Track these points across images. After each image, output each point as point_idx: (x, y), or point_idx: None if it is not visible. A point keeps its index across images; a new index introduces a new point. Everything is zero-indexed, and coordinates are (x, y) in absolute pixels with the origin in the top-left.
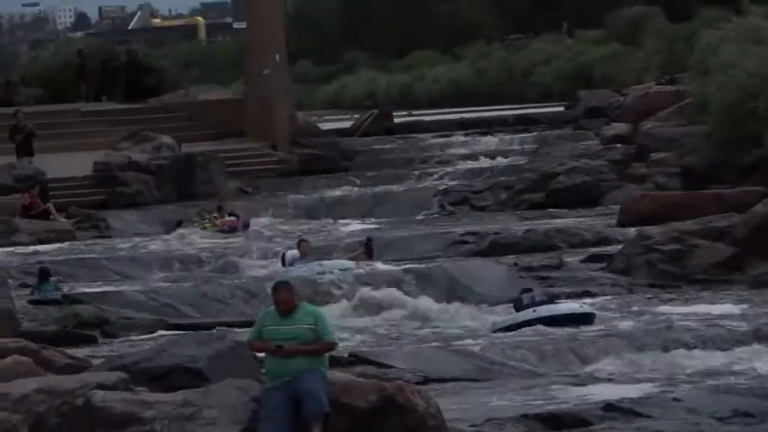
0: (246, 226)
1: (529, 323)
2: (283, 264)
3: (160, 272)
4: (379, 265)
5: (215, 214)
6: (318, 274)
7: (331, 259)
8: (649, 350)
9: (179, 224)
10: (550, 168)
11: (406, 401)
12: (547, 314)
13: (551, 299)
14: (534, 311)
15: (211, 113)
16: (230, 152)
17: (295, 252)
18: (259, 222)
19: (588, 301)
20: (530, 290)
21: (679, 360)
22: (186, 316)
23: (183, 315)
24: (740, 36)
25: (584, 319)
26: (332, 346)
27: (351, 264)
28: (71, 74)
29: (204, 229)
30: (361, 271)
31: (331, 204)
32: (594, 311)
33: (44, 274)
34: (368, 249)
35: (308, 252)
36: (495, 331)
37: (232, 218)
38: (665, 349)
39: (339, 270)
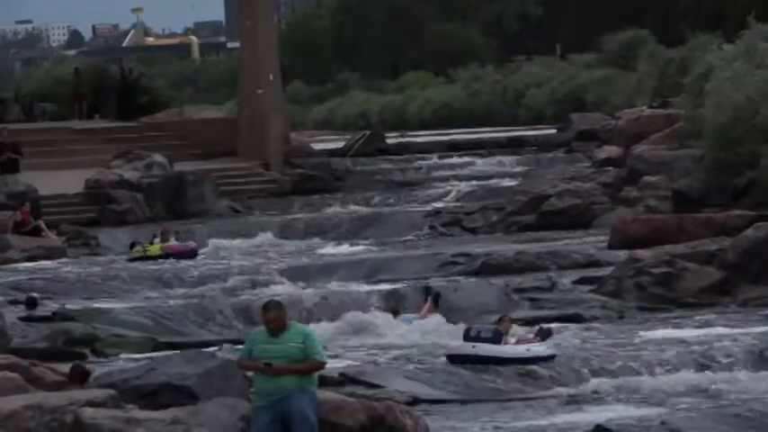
0: (194, 252)
1: (468, 358)
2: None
3: (150, 290)
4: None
5: (157, 239)
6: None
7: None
8: (639, 373)
9: (132, 245)
10: (542, 191)
11: (395, 421)
12: (483, 354)
13: (497, 337)
14: (474, 347)
15: (204, 132)
16: (222, 171)
17: None
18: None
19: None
20: (505, 316)
21: (667, 382)
22: (176, 334)
23: (173, 333)
24: (735, 59)
25: (537, 360)
26: (320, 365)
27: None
28: (68, 92)
29: (145, 252)
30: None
31: (322, 225)
32: (552, 353)
33: (31, 303)
34: (434, 301)
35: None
36: (448, 356)
37: (175, 242)
38: (653, 372)
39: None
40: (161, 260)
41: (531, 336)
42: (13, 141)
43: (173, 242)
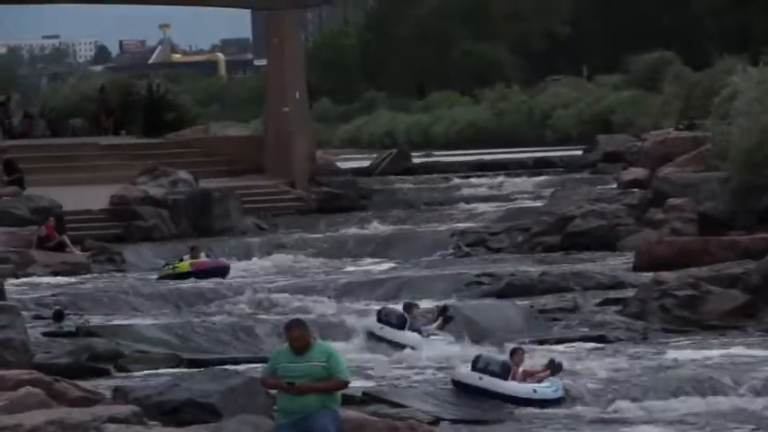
0: (225, 269)
1: (474, 388)
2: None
3: (175, 306)
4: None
5: (186, 255)
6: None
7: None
8: (662, 395)
9: (166, 265)
10: (567, 212)
11: None
12: (488, 388)
13: (504, 372)
14: (480, 379)
15: (230, 150)
16: (248, 189)
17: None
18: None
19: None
20: (519, 349)
21: (691, 405)
22: (200, 351)
23: (197, 350)
24: (761, 81)
25: (543, 402)
26: (344, 384)
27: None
28: (95, 108)
29: (174, 269)
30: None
31: (347, 243)
32: (560, 395)
33: (58, 316)
34: (444, 317)
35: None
36: (453, 381)
37: (206, 259)
38: (676, 395)
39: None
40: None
41: (541, 368)
42: (10, 159)
43: (203, 258)
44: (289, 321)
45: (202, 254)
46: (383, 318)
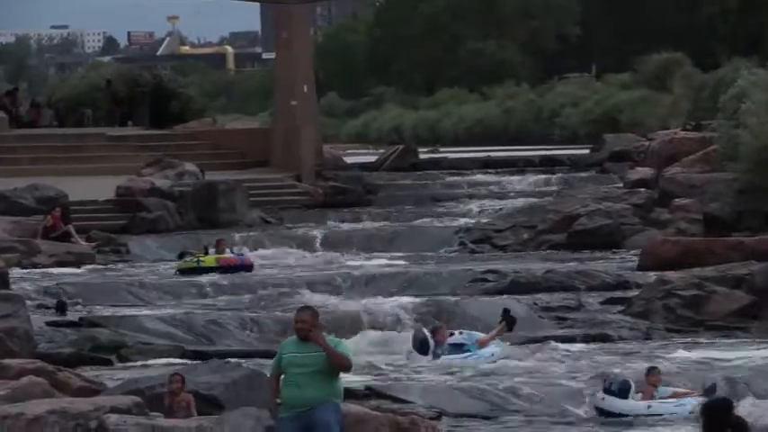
0: (250, 266)
1: (602, 411)
2: (416, 346)
3: (180, 298)
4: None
5: (212, 249)
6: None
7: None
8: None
9: (181, 255)
10: (573, 210)
11: None
12: (608, 408)
13: (622, 391)
14: (603, 399)
15: (237, 142)
16: (254, 182)
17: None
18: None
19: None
20: (654, 368)
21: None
22: (204, 343)
23: (200, 342)
24: None
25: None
26: (348, 362)
27: (497, 350)
28: (103, 100)
29: (199, 263)
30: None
31: (353, 238)
32: (681, 411)
33: (61, 308)
34: (508, 321)
35: (444, 339)
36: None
37: (232, 255)
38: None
39: (490, 355)
40: (215, 273)
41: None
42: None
43: (228, 254)
44: (300, 306)
45: (227, 249)
46: (607, 387)
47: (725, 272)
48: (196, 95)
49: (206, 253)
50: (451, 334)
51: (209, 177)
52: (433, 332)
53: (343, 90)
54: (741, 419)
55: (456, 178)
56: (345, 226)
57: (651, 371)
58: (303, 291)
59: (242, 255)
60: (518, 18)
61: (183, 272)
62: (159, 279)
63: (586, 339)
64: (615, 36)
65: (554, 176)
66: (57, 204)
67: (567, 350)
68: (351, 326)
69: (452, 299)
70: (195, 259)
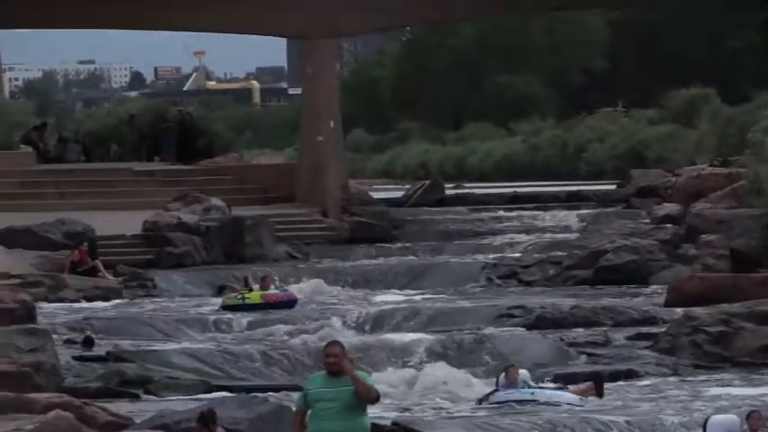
0: (293, 301)
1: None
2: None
3: (206, 333)
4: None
5: (256, 286)
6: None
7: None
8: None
9: (221, 289)
10: (600, 246)
11: None
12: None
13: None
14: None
15: (263, 177)
16: (280, 217)
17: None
18: (305, 291)
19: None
20: (756, 412)
21: None
22: (231, 378)
23: (227, 377)
24: None
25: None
26: (376, 394)
27: (575, 398)
28: (128, 133)
29: (244, 300)
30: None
31: (378, 273)
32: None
33: (88, 343)
34: (598, 385)
35: (515, 379)
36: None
37: (276, 291)
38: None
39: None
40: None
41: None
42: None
43: (273, 291)
44: (328, 341)
45: (272, 285)
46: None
47: (752, 308)
48: (222, 130)
49: (249, 288)
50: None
51: (235, 212)
52: (506, 372)
53: (370, 125)
54: None
55: (482, 214)
56: (371, 261)
57: (752, 414)
58: (329, 325)
59: (286, 290)
60: (544, 52)
61: (226, 308)
62: (186, 314)
63: (613, 376)
64: (641, 70)
65: (580, 212)
66: (84, 239)
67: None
68: (377, 361)
69: (479, 334)
70: (240, 296)
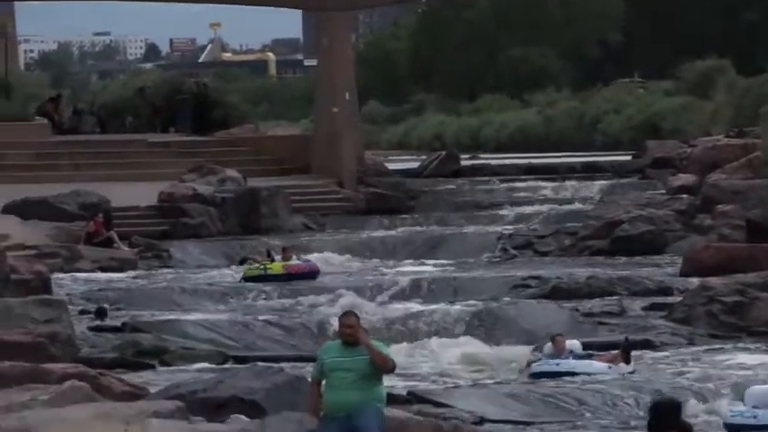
0: (315, 272)
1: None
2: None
3: (222, 304)
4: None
5: (278, 256)
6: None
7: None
8: (708, 400)
9: (243, 261)
10: (615, 216)
11: None
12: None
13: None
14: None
15: (278, 149)
16: (296, 188)
17: (549, 345)
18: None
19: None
20: None
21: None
22: (246, 348)
23: (242, 347)
24: None
25: None
26: (392, 363)
27: (603, 366)
28: (143, 105)
29: (266, 271)
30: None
31: (395, 244)
32: None
33: (101, 314)
34: (626, 352)
35: (562, 348)
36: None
37: (298, 262)
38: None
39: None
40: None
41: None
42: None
43: (295, 261)
44: (344, 311)
45: (294, 256)
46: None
47: (767, 278)
48: (238, 102)
49: (271, 259)
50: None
51: (250, 183)
52: (553, 341)
53: (385, 97)
54: (687, 423)
55: (498, 185)
56: (387, 232)
57: None
58: (345, 296)
59: (308, 261)
60: (560, 25)
61: (248, 279)
62: (201, 284)
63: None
64: (656, 43)
65: (596, 183)
66: (99, 210)
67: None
68: (392, 332)
69: (495, 304)
70: (262, 266)
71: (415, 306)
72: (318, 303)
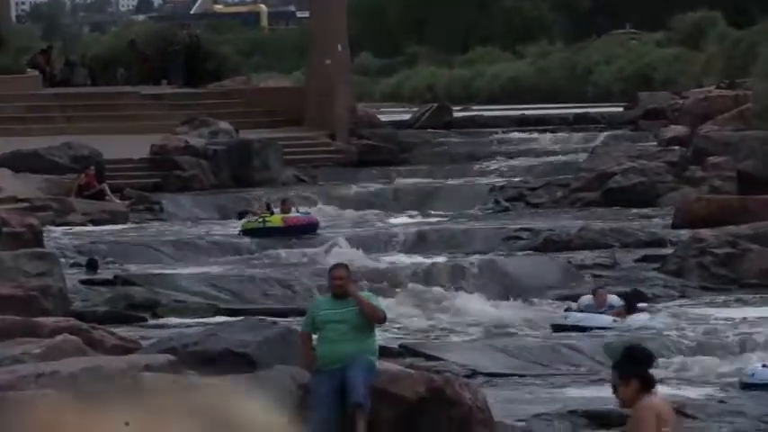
0: (315, 225)
1: None
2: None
3: (214, 256)
4: (639, 318)
5: (277, 209)
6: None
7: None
8: (699, 353)
9: (242, 215)
10: (607, 168)
11: (454, 394)
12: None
13: None
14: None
15: (270, 101)
16: (288, 140)
17: (588, 297)
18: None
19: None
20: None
21: (727, 364)
22: (239, 301)
23: (234, 300)
24: None
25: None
26: (383, 312)
27: (608, 320)
28: (133, 59)
29: (265, 224)
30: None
31: (387, 196)
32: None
33: (92, 266)
34: (628, 303)
35: (603, 301)
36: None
37: (297, 214)
38: (713, 353)
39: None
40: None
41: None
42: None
43: (294, 214)
44: (333, 264)
45: (293, 208)
46: None
47: (759, 229)
48: (230, 54)
49: (270, 212)
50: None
51: (242, 136)
52: (594, 293)
53: (377, 49)
54: (652, 377)
55: (490, 137)
56: (379, 184)
57: None
58: (338, 248)
59: (308, 213)
60: None
61: (246, 232)
62: (193, 237)
63: (620, 297)
64: None
65: (588, 134)
66: (91, 163)
67: None
68: (386, 284)
69: (486, 257)
70: (260, 219)
71: (405, 259)
72: (309, 255)
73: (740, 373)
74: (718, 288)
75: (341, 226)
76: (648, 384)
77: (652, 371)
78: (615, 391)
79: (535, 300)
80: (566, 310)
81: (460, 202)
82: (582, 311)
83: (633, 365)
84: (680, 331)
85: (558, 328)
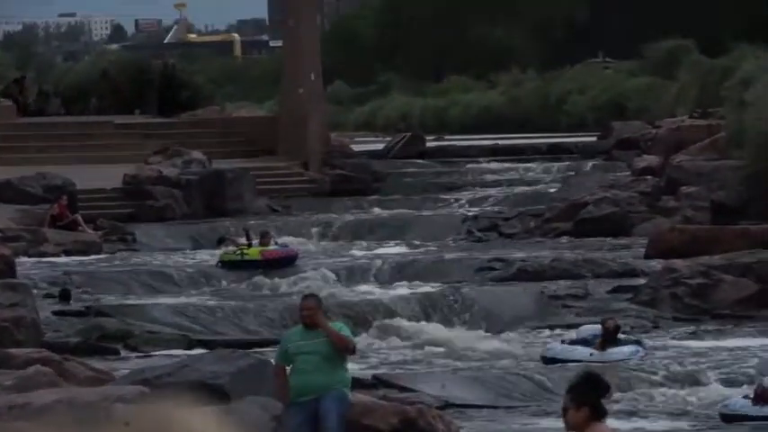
0: (294, 258)
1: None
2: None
3: (187, 287)
4: (617, 351)
5: (256, 241)
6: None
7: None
8: (670, 385)
9: (221, 241)
10: (580, 198)
11: (427, 425)
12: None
13: None
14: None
15: (244, 130)
16: (261, 170)
17: (592, 327)
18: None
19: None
20: None
21: (698, 394)
22: (211, 332)
23: (208, 331)
24: None
25: None
26: (352, 344)
27: (586, 353)
28: (106, 89)
29: (242, 256)
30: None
31: (359, 226)
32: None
33: (65, 297)
34: (605, 337)
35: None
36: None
37: (276, 247)
38: (683, 384)
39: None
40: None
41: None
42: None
43: (273, 247)
44: (304, 294)
45: (272, 241)
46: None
47: (732, 260)
48: (204, 83)
49: (248, 243)
50: None
51: (216, 165)
52: (603, 324)
53: (351, 78)
54: (604, 408)
55: (464, 166)
56: (352, 214)
57: None
58: (310, 280)
59: (286, 246)
60: (526, 4)
61: (224, 264)
62: (167, 268)
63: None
64: (623, 23)
65: (561, 164)
66: (64, 193)
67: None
68: (357, 315)
69: (459, 288)
70: (239, 252)
71: (378, 290)
72: (281, 286)
73: (721, 405)
74: (690, 319)
75: (314, 256)
76: (599, 413)
77: (605, 402)
78: (565, 414)
79: (508, 330)
80: (562, 341)
81: (433, 233)
82: (573, 343)
83: (588, 391)
84: (653, 362)
85: (547, 360)
